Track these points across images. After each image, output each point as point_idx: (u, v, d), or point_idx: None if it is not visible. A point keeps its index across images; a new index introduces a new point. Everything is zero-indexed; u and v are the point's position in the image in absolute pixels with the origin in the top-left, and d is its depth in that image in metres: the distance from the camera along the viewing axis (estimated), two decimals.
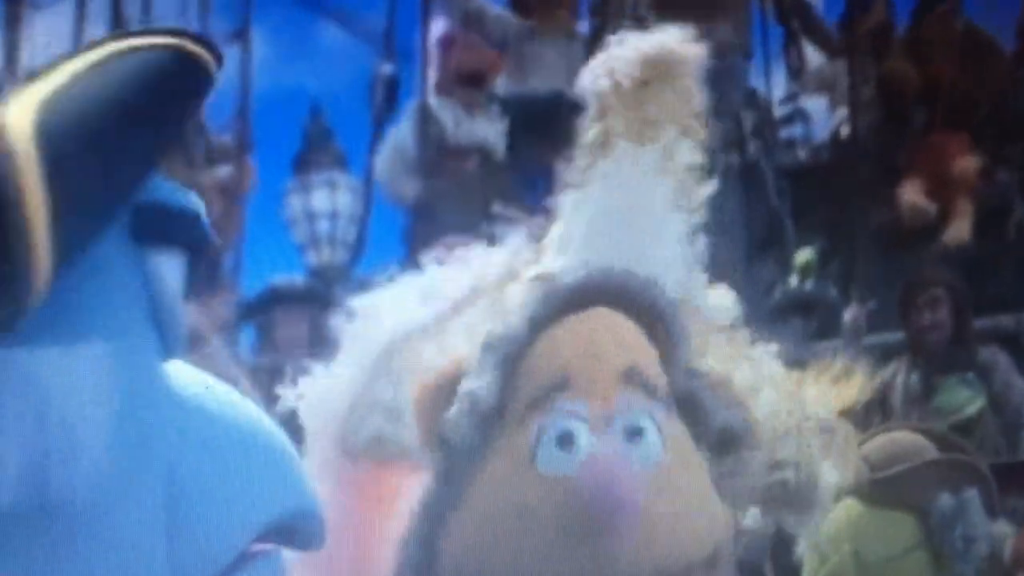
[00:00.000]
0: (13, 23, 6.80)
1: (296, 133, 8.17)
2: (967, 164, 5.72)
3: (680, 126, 1.59)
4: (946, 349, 4.58)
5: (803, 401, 1.60)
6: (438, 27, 6.62)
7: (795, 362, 1.68)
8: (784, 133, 6.76)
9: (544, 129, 6.82)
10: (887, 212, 5.73)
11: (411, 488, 1.49)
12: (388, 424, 1.50)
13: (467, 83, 6.47)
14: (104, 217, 1.00)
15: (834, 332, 5.07)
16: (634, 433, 1.42)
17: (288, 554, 1.13)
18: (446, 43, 6.61)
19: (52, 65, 1.03)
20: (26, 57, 6.61)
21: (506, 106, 6.48)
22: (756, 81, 6.79)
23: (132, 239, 1.05)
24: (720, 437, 1.50)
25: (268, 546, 1.09)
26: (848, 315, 5.00)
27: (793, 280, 6.09)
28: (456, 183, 6.31)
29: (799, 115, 7.01)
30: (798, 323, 5.24)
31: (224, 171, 6.22)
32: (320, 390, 1.56)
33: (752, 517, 1.63)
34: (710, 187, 1.63)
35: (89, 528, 0.96)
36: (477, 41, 6.52)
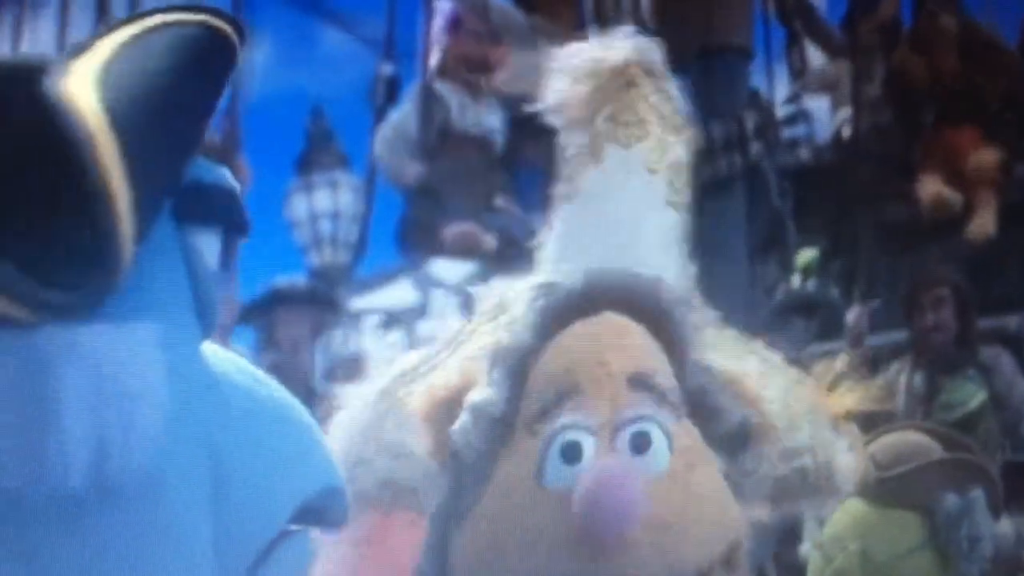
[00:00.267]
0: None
1: (298, 134, 8.17)
2: (985, 157, 5.70)
3: (666, 123, 1.60)
4: (950, 349, 4.57)
5: (815, 388, 1.60)
6: (444, 9, 6.60)
7: (796, 363, 1.68)
8: (787, 133, 6.75)
9: (542, 130, 6.83)
10: (901, 210, 5.72)
11: (417, 541, 1.50)
12: (396, 464, 1.49)
13: (472, 69, 6.45)
14: (165, 193, 1.00)
15: (836, 333, 5.07)
16: (640, 442, 1.42)
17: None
18: (452, 25, 6.59)
19: (92, 40, 1.03)
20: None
21: (505, 103, 6.47)
22: (758, 82, 6.79)
23: (172, 217, 1.04)
24: (735, 435, 1.49)
25: (298, 527, 1.09)
26: (850, 316, 5.00)
27: (795, 281, 6.08)
28: (458, 170, 6.29)
29: (801, 115, 7.01)
30: (800, 324, 5.24)
31: None
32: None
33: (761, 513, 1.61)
34: (707, 183, 1.67)
35: (142, 509, 0.96)
36: (483, 28, 6.50)
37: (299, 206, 7.90)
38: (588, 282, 1.50)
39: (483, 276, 7.69)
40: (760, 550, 1.52)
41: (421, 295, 8.59)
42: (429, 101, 6.32)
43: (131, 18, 1.04)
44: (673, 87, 1.61)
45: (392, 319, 9.10)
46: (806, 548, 2.46)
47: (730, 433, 1.49)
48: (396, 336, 6.30)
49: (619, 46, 1.60)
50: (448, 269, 7.95)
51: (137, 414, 0.93)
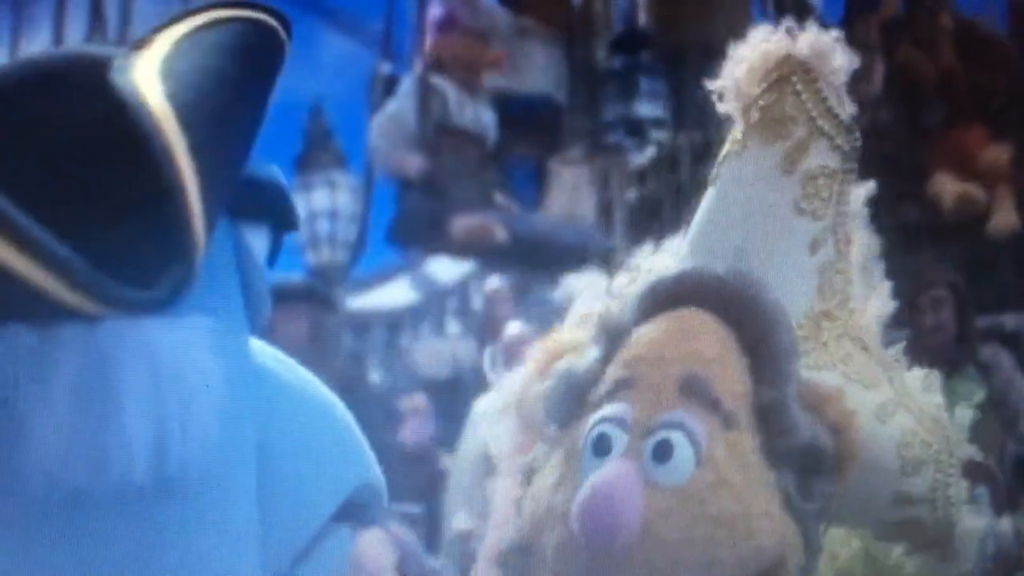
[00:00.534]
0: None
1: (296, 133, 8.16)
2: (998, 153, 5.69)
3: (813, 125, 1.54)
4: (949, 349, 4.57)
5: (948, 437, 1.52)
6: (437, 5, 6.60)
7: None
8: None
9: (530, 129, 6.82)
10: (904, 211, 5.69)
11: None
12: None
13: (466, 66, 6.45)
14: (229, 186, 1.00)
15: None
16: (662, 451, 1.36)
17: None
18: (446, 22, 6.58)
19: (149, 35, 1.03)
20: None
21: (495, 102, 6.47)
22: None
23: (227, 213, 1.05)
24: (804, 455, 1.40)
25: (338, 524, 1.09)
26: None
27: None
28: (458, 165, 6.28)
29: None
30: None
31: None
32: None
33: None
34: (862, 189, 1.57)
35: (198, 502, 0.97)
36: (476, 25, 6.50)
37: (297, 205, 7.89)
38: (680, 276, 1.46)
39: (480, 276, 7.69)
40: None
41: (419, 295, 8.58)
42: (427, 93, 6.31)
43: (183, 15, 1.04)
44: (833, 89, 1.54)
45: (394, 320, 9.10)
46: None
47: (797, 451, 1.40)
48: None
49: (787, 39, 1.56)
50: (446, 269, 7.95)
51: (194, 409, 0.93)
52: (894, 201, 5.74)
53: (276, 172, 1.09)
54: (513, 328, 5.21)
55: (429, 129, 6.27)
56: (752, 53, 1.57)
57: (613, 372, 1.42)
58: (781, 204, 1.53)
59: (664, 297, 1.45)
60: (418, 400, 6.29)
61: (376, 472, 1.14)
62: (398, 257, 8.17)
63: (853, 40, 6.05)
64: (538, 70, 6.85)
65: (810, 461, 1.40)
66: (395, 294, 8.79)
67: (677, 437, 1.36)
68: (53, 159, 0.93)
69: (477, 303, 7.05)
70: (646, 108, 6.87)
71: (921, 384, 1.56)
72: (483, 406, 5.18)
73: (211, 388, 0.94)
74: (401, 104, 6.39)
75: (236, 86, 1.00)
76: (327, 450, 1.08)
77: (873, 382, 1.51)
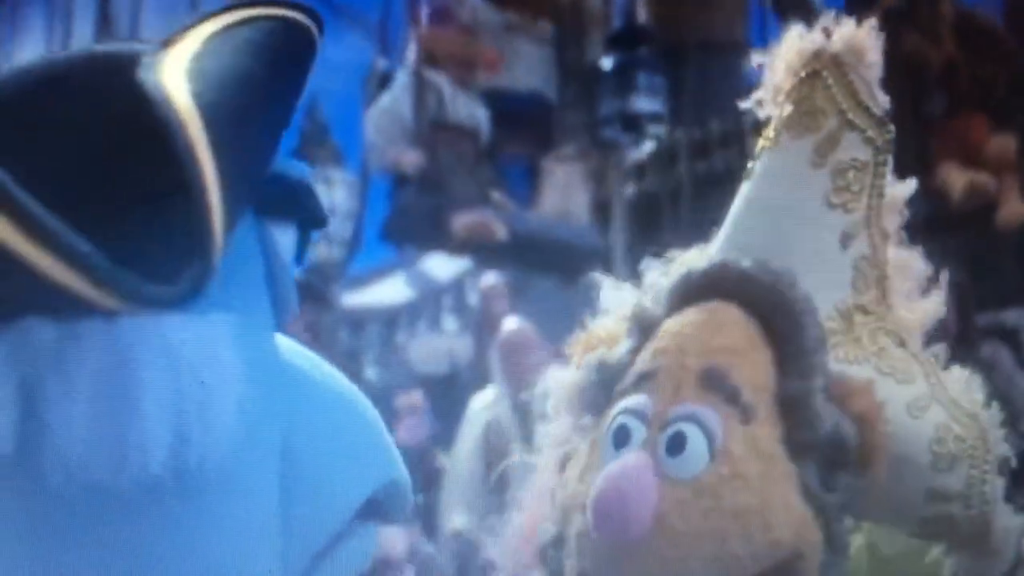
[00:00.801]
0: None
1: (292, 129, 8.15)
2: (1005, 143, 5.67)
3: (843, 119, 1.54)
4: (950, 347, 4.54)
5: (985, 434, 1.50)
6: (428, 2, 6.62)
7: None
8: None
9: (521, 127, 6.82)
10: (916, 201, 5.65)
11: None
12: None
13: (459, 62, 6.45)
14: (252, 185, 1.00)
15: None
16: (676, 443, 1.36)
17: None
18: (439, 18, 6.58)
19: (180, 33, 1.03)
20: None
21: (486, 99, 6.47)
22: (756, 77, 6.77)
23: (252, 210, 1.05)
24: (829, 447, 1.40)
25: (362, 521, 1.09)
26: None
27: None
28: (454, 161, 6.29)
29: None
30: None
31: None
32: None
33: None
34: (905, 188, 1.59)
35: (218, 500, 0.97)
36: (468, 21, 6.51)
37: None
38: (708, 269, 1.47)
39: (476, 272, 7.69)
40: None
41: (415, 292, 8.58)
42: (422, 87, 6.31)
43: (215, 13, 1.05)
44: (865, 83, 1.55)
45: (391, 317, 9.09)
46: None
47: (820, 442, 1.39)
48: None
49: (820, 35, 1.57)
50: (442, 266, 7.95)
51: (214, 406, 0.92)
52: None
53: (303, 170, 1.09)
54: (510, 324, 5.20)
55: (424, 124, 6.27)
56: (786, 51, 1.58)
57: (638, 364, 1.44)
58: (811, 197, 1.54)
59: (693, 290, 1.46)
60: (415, 397, 6.29)
61: (400, 469, 1.12)
62: (394, 254, 8.16)
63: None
64: (526, 67, 6.86)
65: (833, 453, 1.40)
66: (391, 291, 8.79)
67: (691, 430, 1.36)
68: (77, 155, 0.95)
69: (473, 299, 7.04)
70: (643, 103, 6.86)
71: (959, 380, 1.55)
72: (480, 402, 5.17)
73: (233, 386, 0.94)
74: (396, 98, 6.39)
75: (264, 85, 1.01)
76: (351, 447, 1.07)
77: (907, 377, 1.50)
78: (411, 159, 6.23)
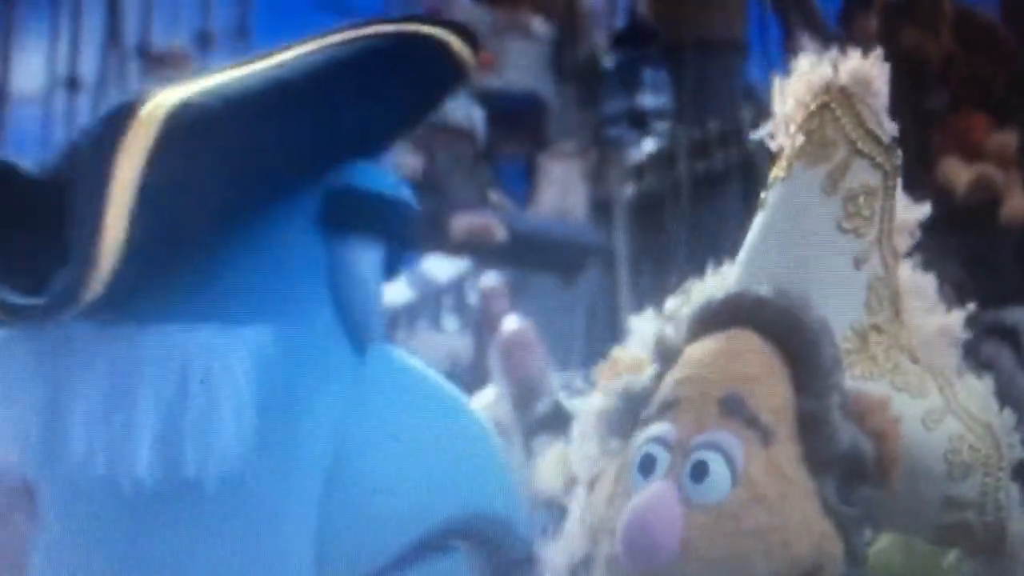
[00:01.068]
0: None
1: None
2: (1006, 139, 5.66)
3: (853, 148, 1.62)
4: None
5: (998, 442, 1.57)
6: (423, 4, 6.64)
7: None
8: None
9: (516, 127, 6.82)
10: (917, 198, 5.64)
11: None
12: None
13: None
14: (232, 214, 0.98)
15: None
16: (699, 471, 1.44)
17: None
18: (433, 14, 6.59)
19: (252, 59, 1.05)
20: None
21: (482, 98, 6.47)
22: (754, 75, 6.77)
23: (322, 224, 1.04)
24: (847, 461, 1.48)
25: (451, 543, 1.07)
26: None
27: None
28: (452, 163, 6.29)
29: None
30: None
31: None
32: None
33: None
34: (918, 211, 1.66)
35: (219, 508, 0.97)
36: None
37: None
38: (726, 298, 1.54)
39: (476, 272, 7.70)
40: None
41: (415, 292, 8.58)
42: None
43: (343, 28, 1.10)
44: (872, 111, 1.63)
45: (391, 317, 9.08)
46: None
47: (838, 458, 1.47)
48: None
49: (828, 68, 1.65)
50: (442, 266, 7.94)
51: (215, 416, 0.93)
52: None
53: (390, 184, 1.09)
54: (510, 324, 5.19)
55: (421, 127, 6.27)
56: (795, 85, 1.65)
57: (662, 392, 1.51)
58: (824, 224, 1.61)
59: (712, 318, 1.53)
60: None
61: (501, 500, 1.10)
62: None
63: (854, 33, 6.01)
64: (520, 67, 6.85)
65: (851, 468, 1.47)
66: (391, 291, 8.77)
67: (713, 457, 1.43)
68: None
69: (473, 299, 7.04)
70: (649, 99, 6.85)
71: (973, 390, 1.62)
72: (480, 402, 5.17)
73: (237, 396, 0.94)
74: None
75: (308, 108, 1.01)
76: (427, 471, 1.05)
77: (921, 391, 1.57)
78: (409, 163, 6.24)
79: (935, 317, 1.68)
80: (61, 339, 0.94)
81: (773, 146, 1.66)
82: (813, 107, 1.63)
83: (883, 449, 1.48)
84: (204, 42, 8.00)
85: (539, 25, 7.01)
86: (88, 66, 8.16)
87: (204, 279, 0.98)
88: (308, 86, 1.00)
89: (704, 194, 6.46)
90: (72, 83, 8.19)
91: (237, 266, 0.99)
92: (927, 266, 1.73)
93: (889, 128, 1.64)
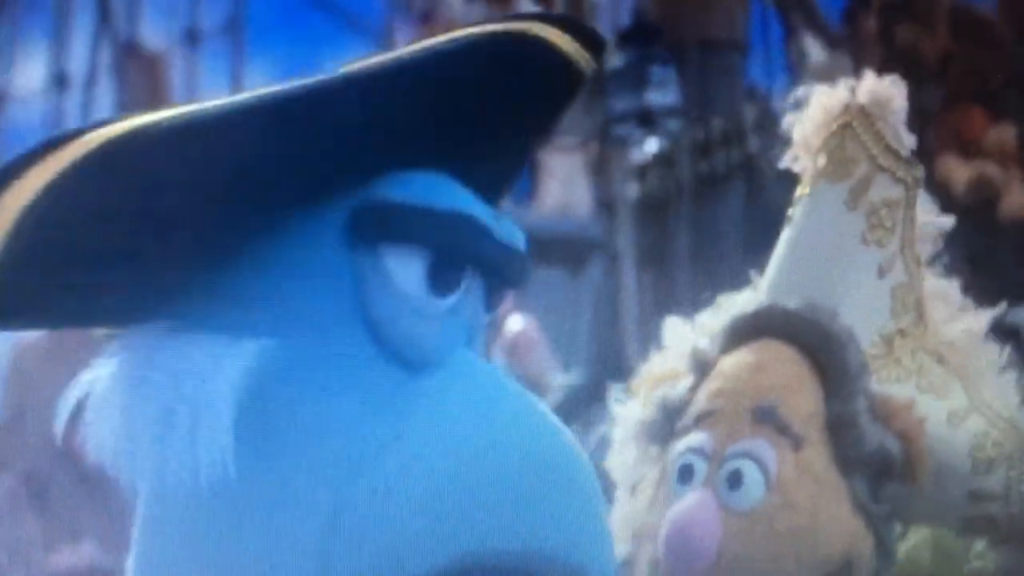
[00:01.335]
0: None
1: None
2: (1004, 134, 5.66)
3: (874, 164, 1.70)
4: None
5: (1022, 437, 1.63)
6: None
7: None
8: (785, 127, 6.72)
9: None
10: None
11: None
12: None
13: None
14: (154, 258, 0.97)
15: None
16: (734, 479, 1.54)
17: None
18: (425, 19, 6.60)
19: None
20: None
21: None
22: (756, 75, 6.78)
23: (350, 238, 1.01)
24: (875, 461, 1.57)
25: None
26: None
27: None
28: None
29: (800, 108, 6.99)
30: None
31: None
32: None
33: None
34: (941, 221, 1.74)
35: (205, 516, 0.97)
36: (452, 26, 6.54)
37: None
38: (756, 312, 1.64)
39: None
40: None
41: None
42: None
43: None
44: (891, 127, 1.72)
45: None
46: None
47: (866, 458, 1.57)
48: None
49: (846, 91, 1.74)
50: None
51: (204, 425, 0.94)
52: None
53: (429, 196, 1.02)
54: (514, 323, 5.20)
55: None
56: (815, 110, 1.74)
57: (697, 403, 1.60)
58: (848, 237, 1.69)
59: (743, 331, 1.63)
60: None
61: (563, 543, 0.96)
62: None
63: (855, 33, 5.99)
64: None
65: (880, 467, 1.57)
66: None
67: (747, 465, 1.53)
68: None
69: None
70: (657, 97, 6.85)
71: (997, 388, 1.69)
72: None
73: (221, 410, 0.94)
74: None
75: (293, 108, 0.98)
76: (448, 504, 0.95)
77: (946, 391, 1.66)
78: None
79: (960, 320, 1.75)
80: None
81: (796, 168, 1.75)
82: (834, 127, 1.71)
83: (910, 448, 1.57)
84: (193, 39, 8.02)
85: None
86: (77, 64, 8.18)
87: (227, 289, 0.98)
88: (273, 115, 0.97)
89: (706, 194, 6.47)
90: (60, 81, 8.20)
91: (258, 277, 0.99)
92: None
93: (908, 142, 1.71)
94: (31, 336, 2.79)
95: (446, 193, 1.02)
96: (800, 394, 1.58)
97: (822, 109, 1.73)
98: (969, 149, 5.62)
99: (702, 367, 1.63)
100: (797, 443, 1.56)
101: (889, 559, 1.60)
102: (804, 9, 6.88)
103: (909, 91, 1.76)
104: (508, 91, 1.04)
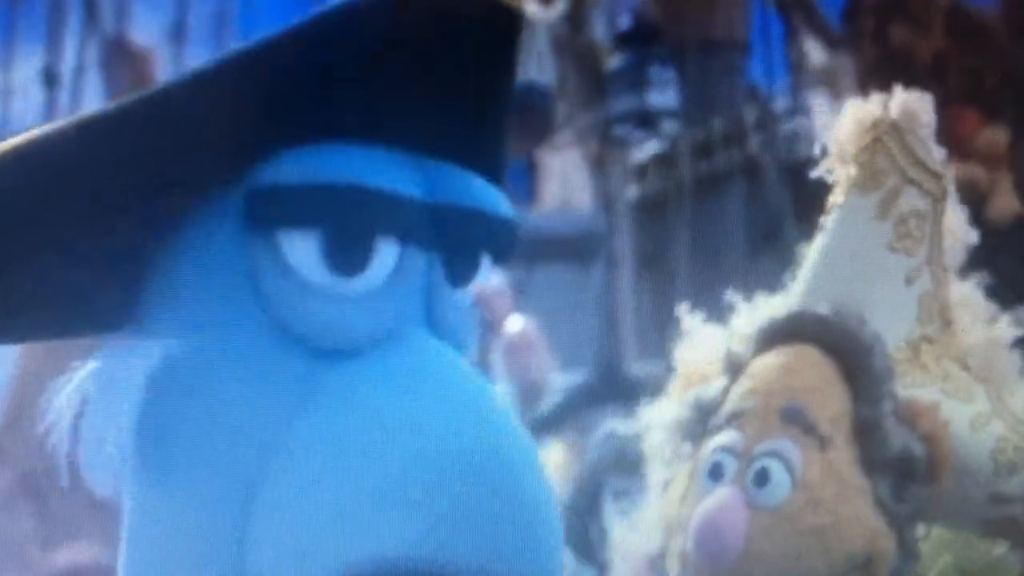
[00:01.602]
0: None
1: None
2: (995, 135, 5.67)
3: (903, 176, 1.78)
4: None
5: None
6: None
7: None
8: (786, 127, 6.74)
9: (519, 120, 6.82)
10: None
11: None
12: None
13: None
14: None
15: None
16: (761, 477, 1.59)
17: None
18: None
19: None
20: None
21: None
22: (757, 75, 6.77)
23: (245, 225, 0.95)
24: (900, 463, 1.63)
25: None
26: None
27: (794, 274, 6.07)
28: None
29: (800, 109, 7.00)
30: None
31: None
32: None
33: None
34: (969, 235, 1.79)
35: (122, 519, 0.98)
36: None
37: None
38: (788, 316, 1.70)
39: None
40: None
41: None
42: None
43: None
44: (920, 141, 1.78)
45: None
46: None
47: (891, 460, 1.63)
48: None
49: (878, 105, 1.78)
50: None
51: (106, 429, 0.94)
52: None
53: (316, 171, 0.94)
54: (514, 324, 5.20)
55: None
56: (849, 123, 1.80)
57: (729, 403, 1.66)
58: (877, 245, 1.76)
59: (775, 335, 1.69)
60: None
61: (444, 552, 0.88)
62: None
63: (855, 33, 5.95)
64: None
65: (903, 468, 1.63)
66: None
67: (774, 464, 1.60)
68: None
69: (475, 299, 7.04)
70: (656, 98, 6.85)
71: (1020, 395, 1.74)
72: None
73: (121, 414, 0.95)
74: None
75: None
76: (344, 510, 0.89)
77: (969, 396, 1.71)
78: None
79: (984, 328, 1.80)
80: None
81: (830, 178, 1.80)
82: (867, 140, 1.77)
83: (933, 451, 1.62)
84: (180, 35, 8.02)
85: (532, 9, 7.00)
86: (67, 60, 8.19)
87: (142, 295, 0.97)
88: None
89: (707, 194, 6.47)
90: (50, 78, 8.21)
91: (165, 278, 0.96)
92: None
93: (937, 155, 1.78)
94: None
95: (338, 165, 0.94)
96: (828, 396, 1.64)
97: (855, 122, 1.79)
98: (960, 149, 5.62)
99: (735, 368, 1.69)
100: (823, 443, 1.61)
101: (911, 559, 1.65)
102: (804, 9, 6.88)
103: (902, 90, 1.80)
104: (429, 45, 0.95)
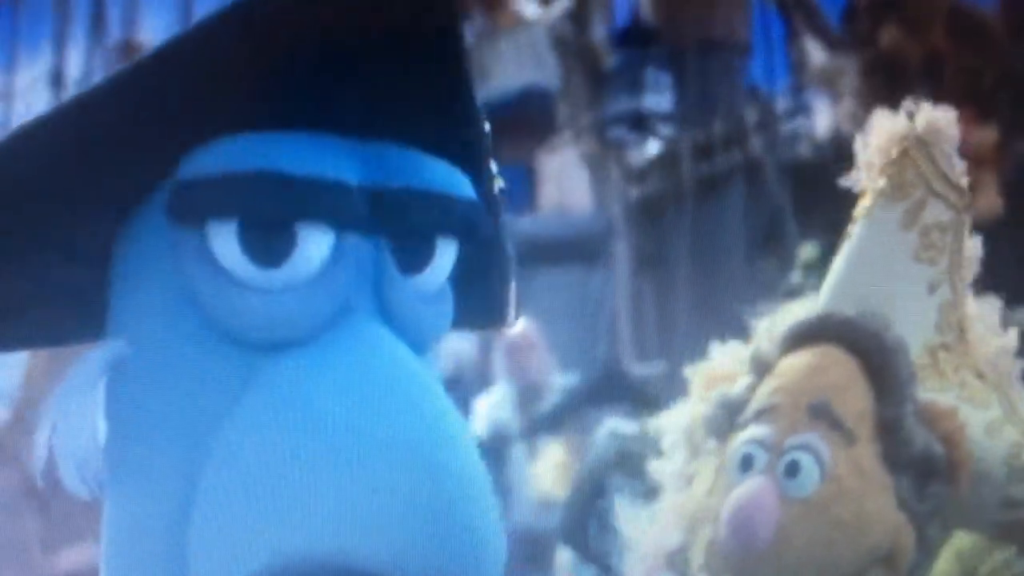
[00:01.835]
0: None
1: None
2: (986, 136, 5.67)
3: (930, 188, 1.85)
4: None
5: None
6: None
7: None
8: (786, 128, 6.74)
9: (520, 125, 6.82)
10: None
11: None
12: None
13: None
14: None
15: None
16: (792, 468, 1.66)
17: None
18: None
19: None
20: None
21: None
22: (757, 76, 6.77)
23: (169, 219, 0.93)
24: (920, 462, 1.69)
25: None
26: None
27: (795, 276, 6.07)
28: None
29: (801, 109, 7.00)
30: None
31: None
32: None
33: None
34: (978, 250, 1.87)
35: (108, 517, 0.99)
36: None
37: None
38: (816, 318, 1.78)
39: None
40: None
41: None
42: None
43: None
44: (945, 155, 1.87)
45: None
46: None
47: (912, 458, 1.69)
48: None
49: (906, 120, 1.87)
50: None
51: (71, 432, 0.94)
52: None
53: (242, 158, 0.91)
54: (515, 325, 5.20)
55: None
56: (877, 138, 1.87)
57: (758, 399, 1.73)
58: (902, 254, 1.84)
59: (803, 336, 1.77)
60: None
61: (357, 556, 0.86)
62: None
63: (855, 34, 5.96)
64: (518, 64, 6.85)
65: (924, 467, 1.69)
66: None
67: (804, 457, 1.66)
68: None
69: None
70: (652, 100, 6.86)
71: None
72: (484, 404, 5.18)
73: (85, 417, 0.95)
74: None
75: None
76: (266, 509, 0.87)
77: (984, 403, 1.78)
78: None
79: (996, 338, 1.86)
80: None
81: (857, 188, 1.88)
82: (894, 153, 1.85)
83: (952, 452, 1.70)
84: None
85: (532, 10, 6.99)
86: (74, 62, 8.18)
87: (99, 295, 0.97)
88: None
89: (707, 195, 6.47)
90: (57, 79, 8.20)
91: (116, 277, 0.96)
92: None
93: (961, 170, 1.87)
94: None
95: (256, 153, 0.91)
96: (853, 395, 1.71)
97: (884, 135, 1.86)
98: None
99: (762, 368, 1.76)
100: (850, 439, 1.68)
101: (928, 555, 1.73)
102: (805, 10, 6.88)
103: (892, 93, 1.85)
104: (358, 25, 0.91)
